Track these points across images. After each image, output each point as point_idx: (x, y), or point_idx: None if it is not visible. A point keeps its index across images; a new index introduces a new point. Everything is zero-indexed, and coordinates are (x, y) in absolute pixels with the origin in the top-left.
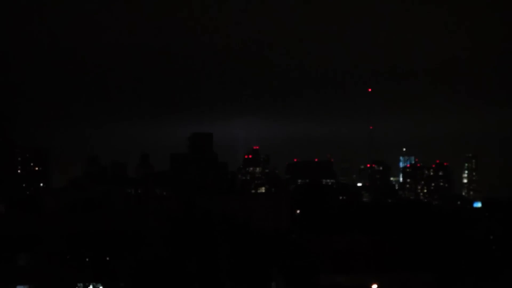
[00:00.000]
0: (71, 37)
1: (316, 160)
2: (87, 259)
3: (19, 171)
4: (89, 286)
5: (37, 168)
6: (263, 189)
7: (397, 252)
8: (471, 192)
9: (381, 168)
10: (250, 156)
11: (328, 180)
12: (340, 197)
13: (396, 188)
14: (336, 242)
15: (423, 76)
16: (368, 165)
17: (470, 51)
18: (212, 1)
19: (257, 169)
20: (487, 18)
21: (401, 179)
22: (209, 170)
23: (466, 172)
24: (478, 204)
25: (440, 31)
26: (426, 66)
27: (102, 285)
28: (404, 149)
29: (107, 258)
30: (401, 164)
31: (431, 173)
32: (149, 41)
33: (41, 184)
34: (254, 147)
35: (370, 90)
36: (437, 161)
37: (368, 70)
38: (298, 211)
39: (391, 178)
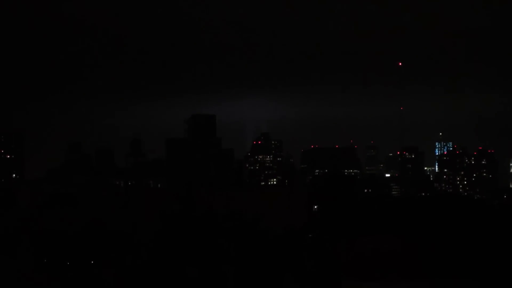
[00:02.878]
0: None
1: (337, 146)
2: (67, 263)
3: None
4: None
5: (8, 156)
6: (274, 181)
7: (434, 255)
8: None
9: (413, 155)
10: (259, 142)
11: (351, 170)
12: (366, 190)
13: (431, 179)
14: (361, 244)
15: (461, 49)
16: (398, 152)
17: None
18: None
19: (268, 157)
20: None
21: (437, 169)
22: (211, 158)
23: None
24: None
25: None
26: (465, 35)
27: None
28: (441, 134)
29: (92, 262)
30: (437, 151)
31: (473, 162)
32: (141, 13)
33: (14, 175)
34: (264, 132)
35: (400, 64)
36: (480, 148)
37: (397, 42)
38: (315, 207)
39: (425, 168)
